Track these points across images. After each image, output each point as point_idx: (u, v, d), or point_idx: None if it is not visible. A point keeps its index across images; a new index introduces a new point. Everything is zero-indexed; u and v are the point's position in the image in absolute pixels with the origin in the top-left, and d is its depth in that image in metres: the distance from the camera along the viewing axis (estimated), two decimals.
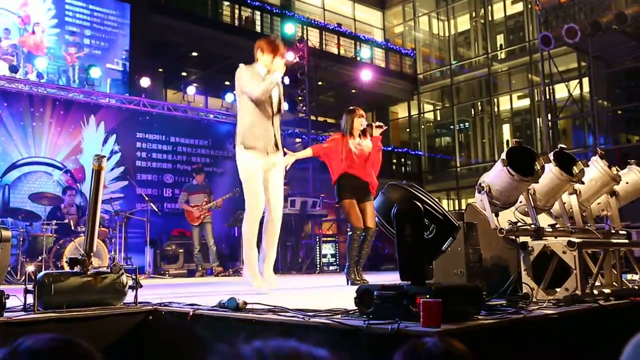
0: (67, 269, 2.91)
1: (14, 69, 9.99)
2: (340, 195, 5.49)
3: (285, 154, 5.10)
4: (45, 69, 10.66)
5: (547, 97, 12.82)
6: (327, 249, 11.09)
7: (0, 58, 10.58)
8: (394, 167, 20.24)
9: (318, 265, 10.48)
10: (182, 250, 9.43)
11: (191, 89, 11.75)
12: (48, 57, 11.18)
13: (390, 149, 20.21)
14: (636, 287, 3.32)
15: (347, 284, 5.39)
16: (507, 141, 19.32)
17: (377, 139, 5.62)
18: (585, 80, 13.87)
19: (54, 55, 11.48)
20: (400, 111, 22.39)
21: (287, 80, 13.58)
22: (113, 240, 8.05)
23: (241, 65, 4.53)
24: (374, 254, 13.08)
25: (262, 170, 4.47)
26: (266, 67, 4.51)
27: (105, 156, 3.03)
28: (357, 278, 5.36)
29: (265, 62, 4.51)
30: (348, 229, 5.62)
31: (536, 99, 18.40)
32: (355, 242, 5.41)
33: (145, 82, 11.28)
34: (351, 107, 5.74)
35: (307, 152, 5.70)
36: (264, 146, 4.46)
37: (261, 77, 4.48)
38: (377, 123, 5.70)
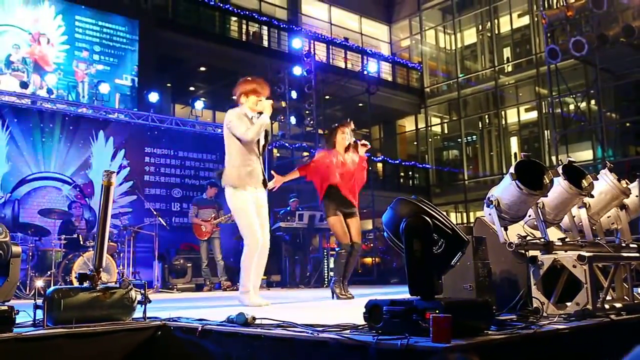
0: (76, 283, 2.92)
1: (24, 85, 10.10)
2: (326, 212, 5.52)
3: (272, 177, 5.18)
4: (55, 85, 10.78)
5: (555, 109, 12.80)
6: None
7: (11, 74, 10.70)
8: (401, 180, 20.22)
9: (326, 279, 10.45)
10: (190, 265, 9.43)
11: (199, 104, 11.82)
12: (58, 73, 11.30)
13: (397, 162, 20.20)
14: None
15: (332, 297, 5.41)
16: (515, 154, 19.27)
17: (362, 159, 5.60)
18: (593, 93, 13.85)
19: (63, 71, 11.61)
20: (408, 124, 22.40)
21: (294, 95, 13.68)
22: (121, 254, 8.06)
23: (229, 110, 4.62)
24: (384, 267, 13.03)
25: (255, 204, 4.58)
26: (251, 109, 4.61)
27: (114, 172, 3.05)
28: (343, 293, 5.38)
29: (250, 105, 4.61)
30: (336, 245, 5.64)
31: (544, 111, 18.37)
32: (343, 258, 5.44)
33: (153, 97, 11.36)
34: (336, 124, 5.73)
35: (294, 174, 5.69)
36: (254, 184, 4.59)
37: (249, 119, 4.57)
38: (363, 141, 5.64)
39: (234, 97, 4.72)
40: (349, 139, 5.56)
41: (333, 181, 5.44)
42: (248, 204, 4.51)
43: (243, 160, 4.54)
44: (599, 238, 3.40)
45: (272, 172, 5.07)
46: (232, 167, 4.56)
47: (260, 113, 4.59)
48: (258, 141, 4.63)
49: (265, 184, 4.69)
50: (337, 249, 5.57)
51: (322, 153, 5.59)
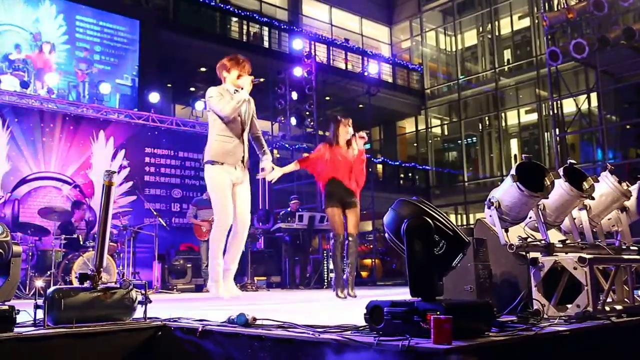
0: (76, 283, 2.92)
1: (25, 84, 10.09)
2: (326, 202, 5.56)
3: (265, 169, 5.18)
4: (55, 84, 10.77)
5: (555, 111, 12.79)
6: None
7: (12, 74, 10.69)
8: (401, 181, 20.23)
9: (326, 280, 10.44)
10: (190, 265, 9.42)
11: (199, 104, 11.80)
12: (58, 73, 11.29)
13: (397, 163, 20.21)
14: None
15: (335, 295, 5.40)
16: (515, 156, 19.29)
17: (361, 152, 5.66)
18: (593, 95, 13.85)
19: (64, 71, 11.60)
20: (408, 126, 22.41)
21: (295, 96, 13.68)
22: (121, 255, 8.05)
23: (211, 87, 4.63)
24: (384, 268, 13.04)
25: (231, 183, 4.55)
26: (233, 84, 4.61)
27: (115, 172, 3.05)
28: (341, 294, 5.34)
29: (231, 80, 4.62)
30: (331, 237, 5.62)
31: (544, 113, 18.38)
32: (338, 250, 5.44)
33: (154, 98, 11.35)
34: (337, 117, 5.79)
35: (294, 166, 5.76)
36: (233, 162, 4.57)
37: (230, 95, 4.57)
38: (360, 134, 5.70)
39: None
40: (350, 133, 5.63)
41: (334, 174, 5.50)
42: (224, 181, 4.51)
43: (223, 138, 4.56)
44: (599, 240, 3.40)
45: (272, 164, 5.07)
46: (212, 144, 4.58)
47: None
48: (241, 121, 4.62)
49: (245, 164, 4.67)
50: (331, 241, 5.57)
51: (324, 146, 5.65)
